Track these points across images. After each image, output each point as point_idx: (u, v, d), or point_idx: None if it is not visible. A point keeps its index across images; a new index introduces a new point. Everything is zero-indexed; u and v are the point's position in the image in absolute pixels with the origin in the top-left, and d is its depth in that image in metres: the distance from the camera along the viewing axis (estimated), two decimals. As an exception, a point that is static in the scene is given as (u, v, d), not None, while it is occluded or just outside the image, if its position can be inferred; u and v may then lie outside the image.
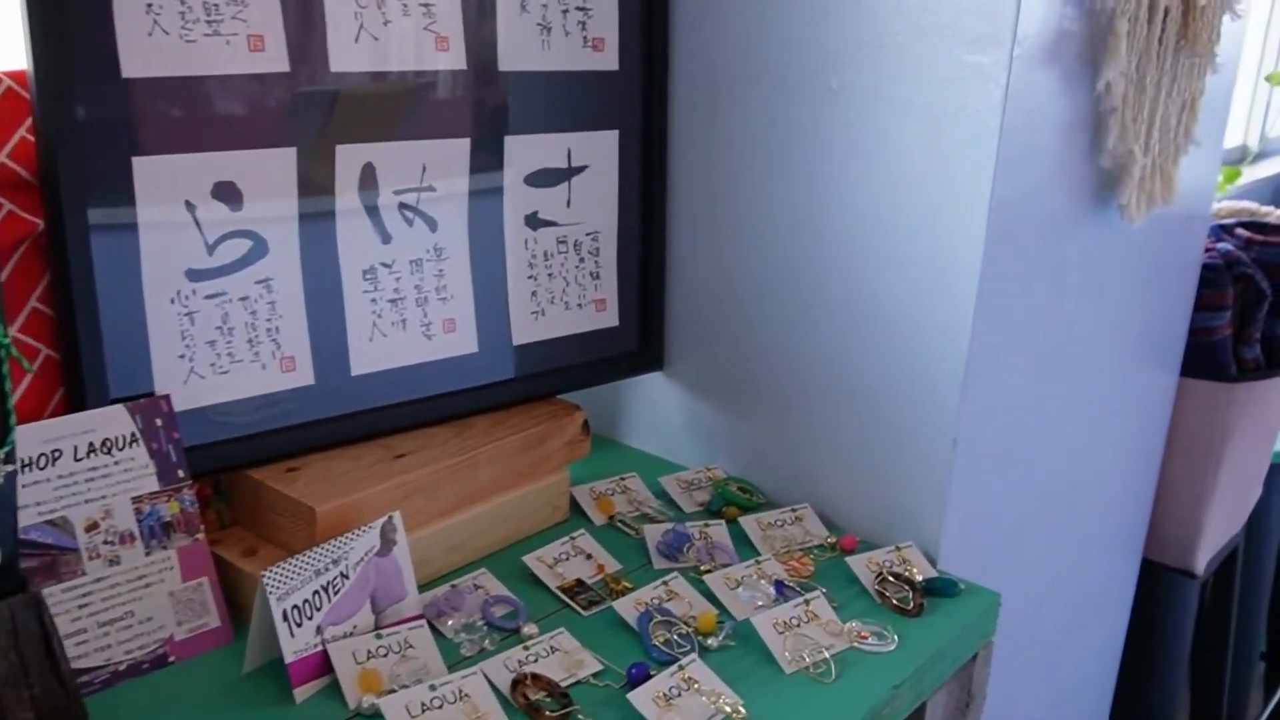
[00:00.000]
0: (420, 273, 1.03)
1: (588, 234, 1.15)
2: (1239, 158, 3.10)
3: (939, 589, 1.01)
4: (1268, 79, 2.48)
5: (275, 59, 0.91)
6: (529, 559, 1.01)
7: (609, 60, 1.13)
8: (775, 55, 1.09)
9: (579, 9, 1.09)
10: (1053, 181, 1.10)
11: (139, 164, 0.87)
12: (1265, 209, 1.77)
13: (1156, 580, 1.74)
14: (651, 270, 1.20)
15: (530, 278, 1.12)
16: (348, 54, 0.95)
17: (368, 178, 0.99)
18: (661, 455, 1.28)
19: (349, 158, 0.97)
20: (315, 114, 0.95)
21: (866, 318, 1.08)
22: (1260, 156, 3.28)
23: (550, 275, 1.13)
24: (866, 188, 1.05)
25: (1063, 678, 1.54)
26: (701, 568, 1.02)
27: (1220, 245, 1.60)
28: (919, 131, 1.01)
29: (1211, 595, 1.96)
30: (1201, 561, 1.70)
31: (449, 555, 1.01)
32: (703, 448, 1.24)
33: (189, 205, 0.90)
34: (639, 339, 1.22)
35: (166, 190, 0.88)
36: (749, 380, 1.18)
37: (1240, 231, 1.64)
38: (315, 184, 0.96)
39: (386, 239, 1.01)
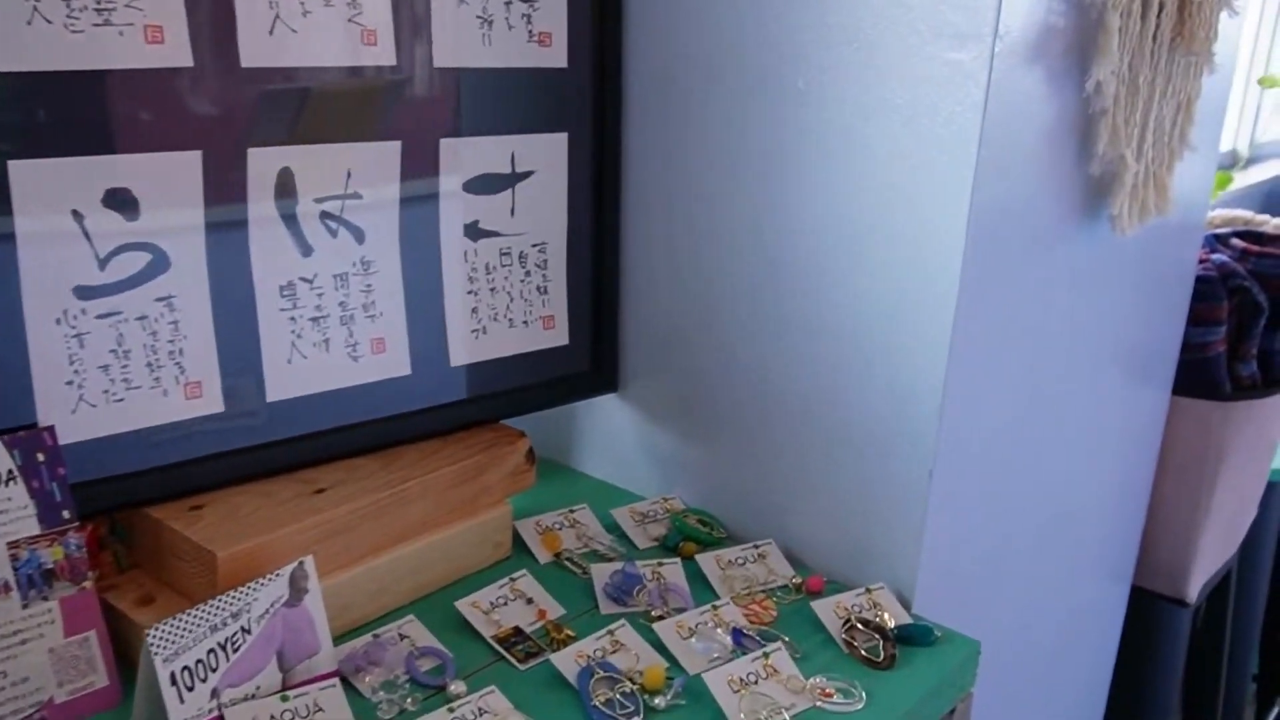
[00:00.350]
0: (345, 288, 0.94)
1: (534, 245, 1.06)
2: (1229, 163, 3.02)
3: (912, 637, 0.92)
4: (1260, 82, 2.40)
5: (176, 52, 0.82)
6: (463, 604, 0.91)
7: (557, 56, 1.04)
8: (737, 53, 1.00)
9: (523, 0, 1.00)
10: (1038, 190, 1.01)
11: (16, 169, 0.77)
12: (1261, 217, 1.69)
13: (1147, 608, 1.65)
14: (604, 284, 1.11)
15: (470, 293, 1.02)
16: (261, 47, 0.86)
17: (285, 184, 0.89)
18: (617, 483, 1.19)
19: (263, 162, 0.88)
20: (223, 114, 0.85)
21: (836, 338, 0.99)
22: (1250, 162, 3.21)
23: (493, 290, 1.04)
24: (835, 196, 0.96)
25: (1048, 714, 1.46)
26: (653, 613, 0.93)
27: (1215, 256, 1.52)
28: (892, 135, 0.92)
29: (1205, 621, 1.88)
30: (1194, 589, 1.62)
31: (373, 600, 0.92)
32: (660, 476, 1.15)
33: (76, 215, 0.80)
34: (591, 359, 1.13)
35: (50, 198, 0.79)
36: (709, 404, 1.09)
37: (1236, 242, 1.56)
38: (224, 191, 0.86)
39: (307, 251, 0.92)
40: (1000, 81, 0.89)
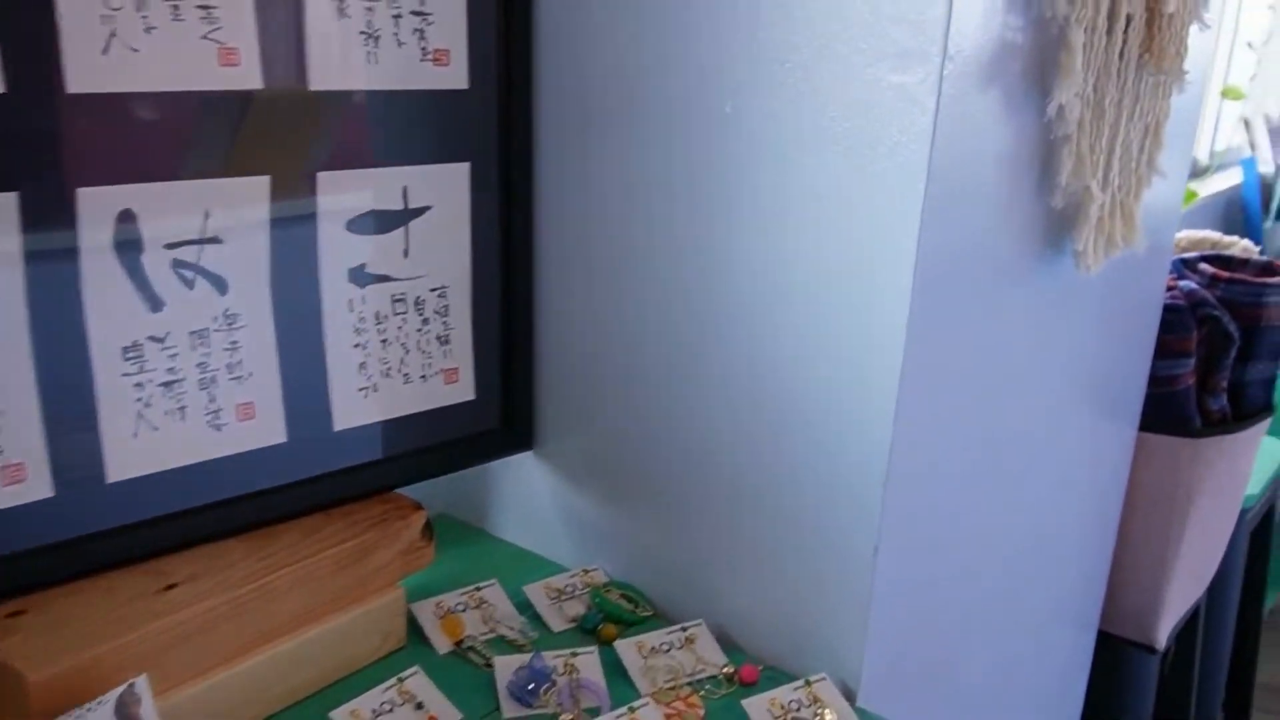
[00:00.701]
0: (205, 346, 0.82)
1: (433, 290, 0.94)
2: (1192, 174, 2.96)
3: (859, 740, 0.81)
4: (1223, 94, 2.32)
5: (-17, 77, 0.69)
6: (338, 715, 0.79)
7: (455, 77, 0.92)
8: (658, 73, 0.89)
9: (416, 14, 0.88)
10: (995, 226, 0.90)
11: None
12: (1229, 239, 1.60)
13: (1114, 655, 1.56)
14: (515, 332, 0.99)
15: (358, 346, 0.90)
16: (92, 70, 0.73)
17: (126, 229, 0.77)
18: (536, 550, 1.07)
19: (97, 203, 0.75)
20: (45, 148, 0.73)
21: (770, 394, 0.87)
22: (1212, 171, 3.14)
23: (385, 342, 0.92)
24: (767, 235, 0.85)
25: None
26: (562, 717, 0.81)
27: (1183, 283, 1.42)
28: (831, 167, 0.81)
29: (1173, 661, 1.78)
30: (1163, 634, 1.52)
31: (236, 714, 0.79)
32: (582, 544, 1.03)
33: None
34: (501, 415, 1.01)
35: None
36: (634, 464, 0.97)
37: (1204, 267, 1.46)
38: (48, 237, 0.73)
39: (156, 306, 0.79)
40: (950, 106, 0.78)
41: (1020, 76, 0.87)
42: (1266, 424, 1.52)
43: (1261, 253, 2.55)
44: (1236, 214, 3.29)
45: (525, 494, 1.06)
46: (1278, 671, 2.60)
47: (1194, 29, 1.06)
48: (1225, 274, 1.45)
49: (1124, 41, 0.96)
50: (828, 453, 0.85)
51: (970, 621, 1.07)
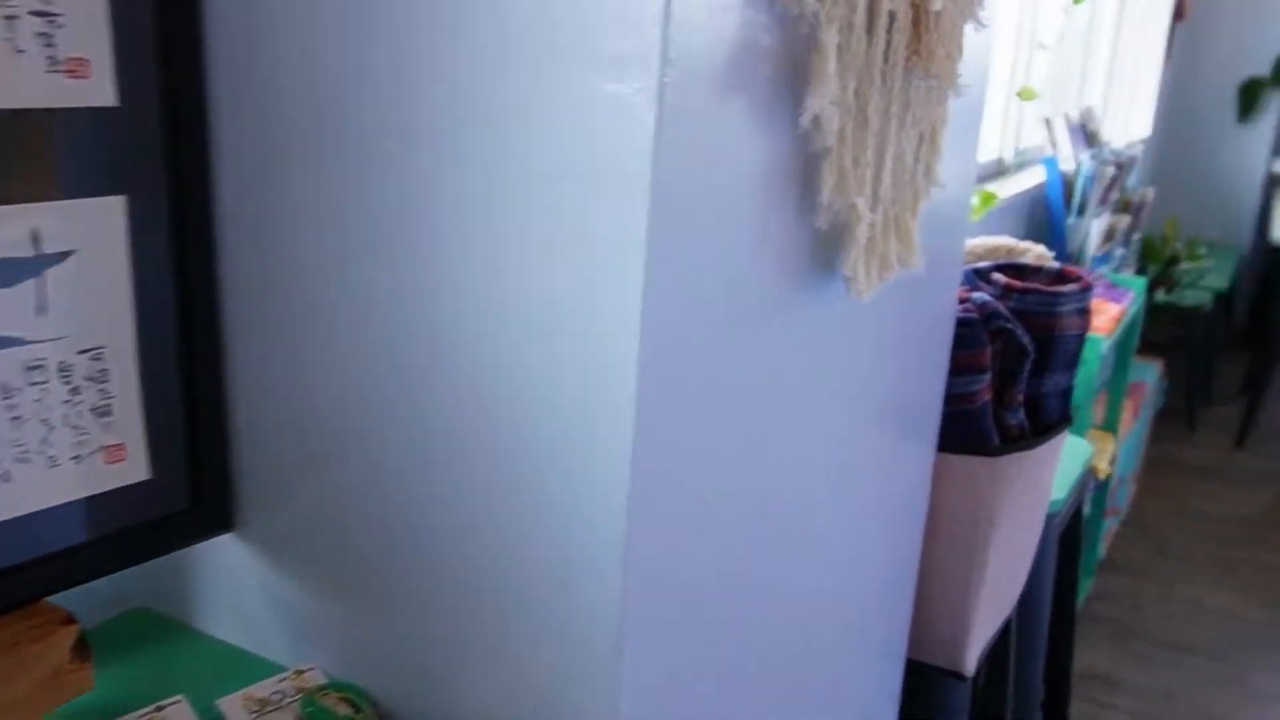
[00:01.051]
0: None
1: (83, 352, 0.77)
2: (994, 172, 2.98)
3: None
4: (1019, 95, 2.31)
5: None
6: None
7: (99, 92, 0.75)
8: (352, 88, 0.74)
9: (38, 14, 0.71)
10: (753, 251, 0.79)
11: None
12: (1023, 246, 1.55)
13: (924, 683, 1.49)
14: (200, 396, 0.83)
15: (-19, 427, 0.73)
16: None
17: None
18: (246, 647, 0.91)
19: None
20: None
21: (499, 458, 0.74)
22: (1015, 170, 3.18)
23: (16, 420, 0.74)
24: (476, 275, 0.72)
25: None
26: None
27: (976, 295, 1.35)
28: (545, 194, 0.69)
29: (986, 681, 1.73)
30: (971, 660, 1.46)
31: None
32: (296, 639, 0.88)
33: None
34: (190, 493, 0.85)
35: None
36: (348, 543, 0.83)
37: (997, 277, 1.40)
38: None
39: None
40: (678, 119, 0.66)
41: (769, 84, 0.76)
42: (1065, 436, 1.48)
43: (1059, 255, 2.57)
44: (1041, 212, 3.35)
45: (230, 582, 0.90)
46: (1093, 660, 2.64)
47: (970, 29, 0.98)
48: (1019, 284, 1.39)
49: (888, 43, 0.86)
50: (562, 525, 0.73)
51: (755, 678, 0.96)
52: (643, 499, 0.71)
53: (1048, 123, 3.04)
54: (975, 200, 2.12)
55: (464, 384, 0.74)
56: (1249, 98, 5.19)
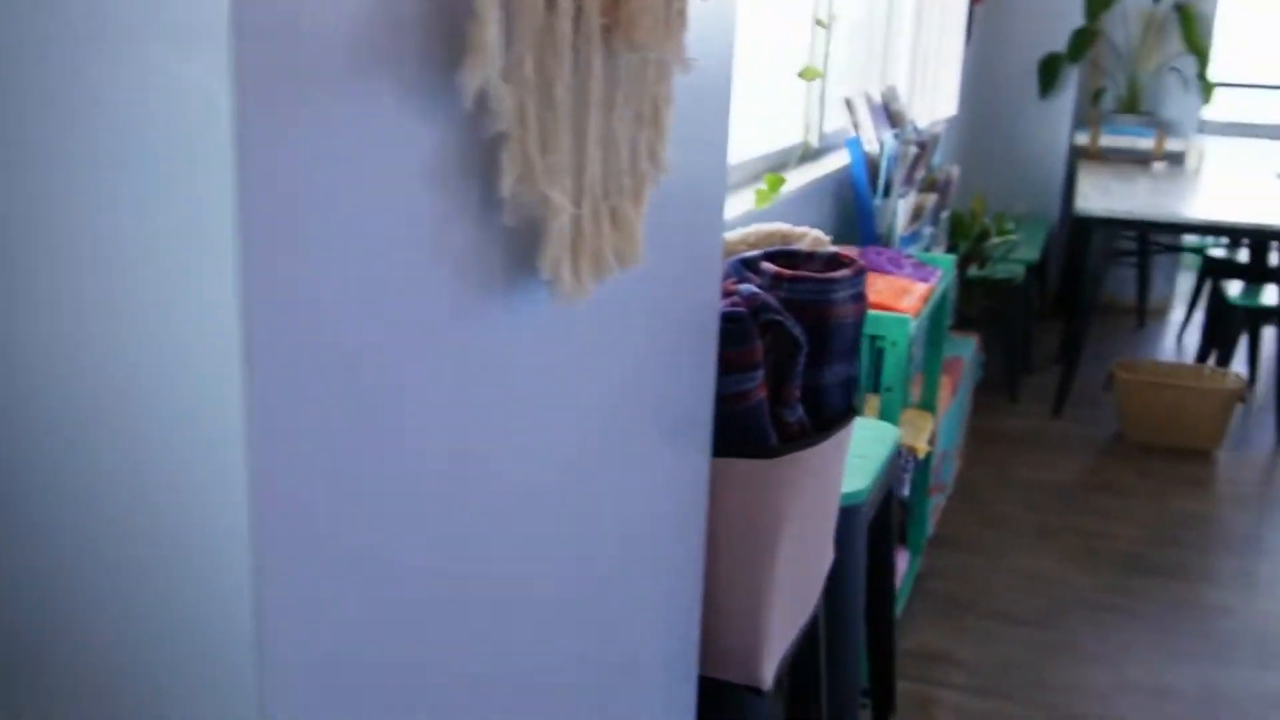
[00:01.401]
0: None
1: None
2: (802, 158, 2.95)
3: None
4: (801, 75, 2.26)
5: None
6: None
7: None
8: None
9: None
10: (424, 258, 0.68)
11: None
12: (798, 231, 1.48)
13: (721, 700, 1.40)
14: None
15: None
16: None
17: None
18: None
19: None
20: None
21: (108, 540, 0.61)
22: (820, 153, 3.16)
23: None
24: (40, 305, 0.58)
25: None
26: None
27: (743, 287, 1.27)
28: (118, 201, 0.55)
29: (792, 688, 1.67)
30: (768, 673, 1.38)
31: None
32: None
33: None
34: None
35: None
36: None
37: (766, 266, 1.32)
38: None
39: None
40: (273, 105, 0.54)
41: (420, 61, 0.65)
42: (851, 428, 1.41)
43: (869, 236, 2.53)
44: (849, 194, 3.34)
45: None
46: (927, 638, 2.62)
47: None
48: (789, 272, 1.32)
49: (577, 9, 0.76)
50: (187, 617, 0.60)
51: (503, 711, 0.84)
52: (284, 585, 0.58)
53: (849, 104, 3.03)
54: (763, 185, 2.05)
55: (57, 453, 0.60)
56: (1049, 73, 5.36)
